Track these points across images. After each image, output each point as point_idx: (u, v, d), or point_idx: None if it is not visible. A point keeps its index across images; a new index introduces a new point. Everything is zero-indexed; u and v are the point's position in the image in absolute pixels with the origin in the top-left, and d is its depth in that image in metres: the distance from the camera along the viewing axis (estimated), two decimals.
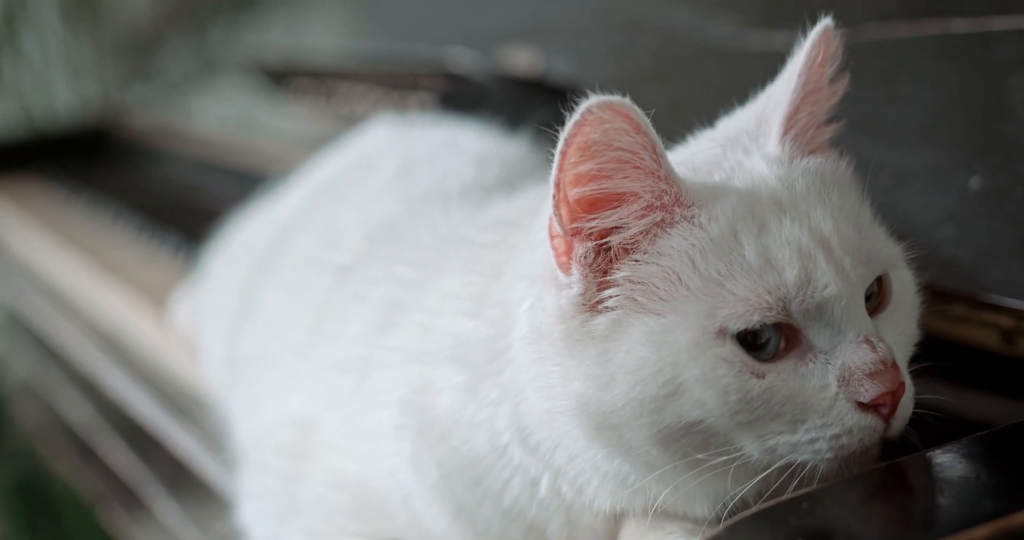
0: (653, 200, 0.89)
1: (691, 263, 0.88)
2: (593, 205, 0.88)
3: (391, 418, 1.04)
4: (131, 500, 1.89)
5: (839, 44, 0.97)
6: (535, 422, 0.94)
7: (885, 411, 0.86)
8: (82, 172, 2.98)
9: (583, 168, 0.86)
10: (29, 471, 3.34)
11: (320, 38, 2.44)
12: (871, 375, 0.86)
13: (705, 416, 0.85)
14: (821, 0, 1.30)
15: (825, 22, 0.97)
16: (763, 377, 0.86)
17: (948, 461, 0.85)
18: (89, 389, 2.00)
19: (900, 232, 1.12)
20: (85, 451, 2.18)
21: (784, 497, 0.82)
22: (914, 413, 0.91)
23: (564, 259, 0.90)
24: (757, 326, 0.86)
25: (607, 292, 0.89)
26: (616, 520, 0.98)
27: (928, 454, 0.86)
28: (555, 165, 0.86)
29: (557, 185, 0.87)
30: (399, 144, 1.44)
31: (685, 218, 0.90)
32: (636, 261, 0.90)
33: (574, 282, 0.90)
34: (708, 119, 1.37)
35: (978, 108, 1.17)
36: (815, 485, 0.84)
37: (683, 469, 0.88)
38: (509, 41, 1.72)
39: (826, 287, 0.87)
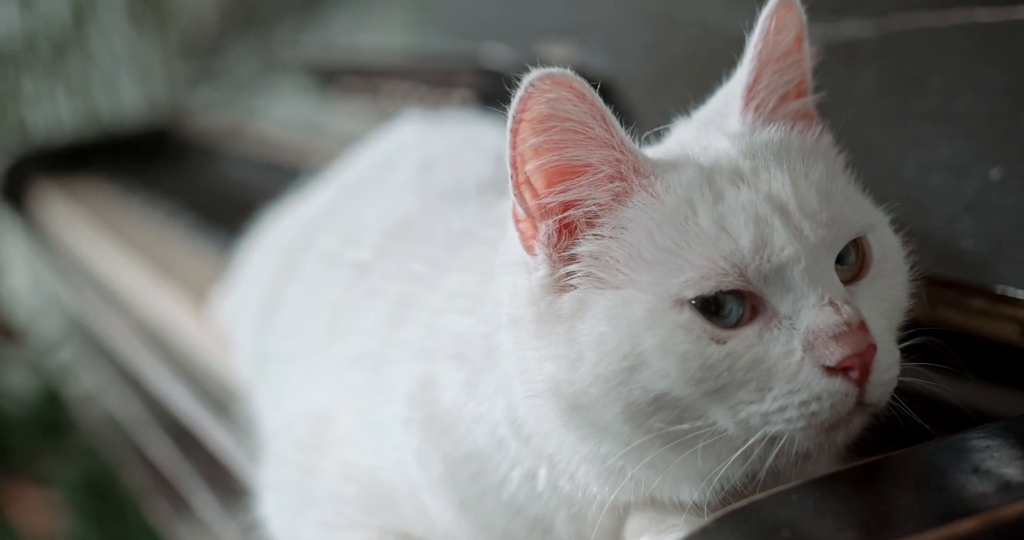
0: (609, 170, 0.89)
1: (648, 234, 0.88)
2: (549, 180, 0.89)
3: (399, 412, 1.05)
4: (175, 495, 1.91)
5: (799, 13, 0.96)
6: (524, 411, 0.95)
7: (855, 374, 0.85)
8: (141, 171, 3.02)
9: (534, 142, 0.87)
10: (96, 469, 3.40)
11: (380, 37, 2.45)
12: (835, 337, 0.85)
13: (670, 387, 0.85)
14: None
15: None
16: (724, 343, 0.85)
17: (938, 454, 0.84)
18: (137, 386, 2.03)
19: (921, 224, 1.11)
20: (134, 447, 2.21)
21: (774, 489, 0.81)
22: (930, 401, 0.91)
23: (529, 242, 0.91)
24: (713, 292, 0.85)
25: (570, 268, 0.90)
26: (621, 514, 0.98)
27: (918, 448, 0.85)
28: (508, 145, 0.87)
29: (513, 165, 0.88)
30: (421, 141, 1.44)
31: (642, 187, 0.90)
32: (596, 236, 0.90)
33: (540, 263, 0.91)
34: None
35: (1001, 98, 1.15)
36: (809, 473, 0.84)
37: (659, 447, 0.88)
38: (547, 37, 1.72)
39: (783, 250, 0.86)
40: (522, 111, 0.86)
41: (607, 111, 0.87)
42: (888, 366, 0.87)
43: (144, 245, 2.27)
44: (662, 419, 0.86)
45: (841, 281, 0.89)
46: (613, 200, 0.90)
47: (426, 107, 1.86)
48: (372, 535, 1.07)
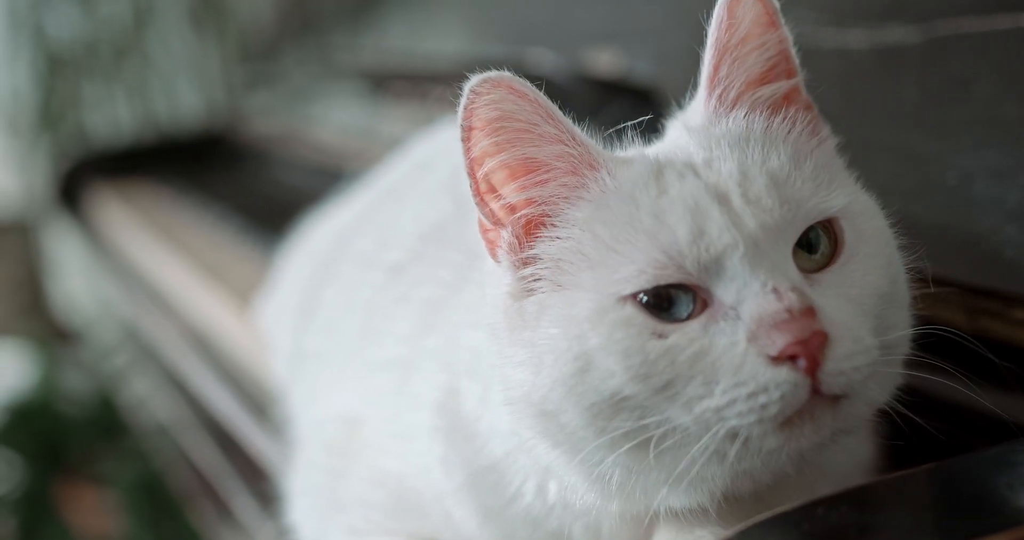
0: (562, 165, 0.89)
1: (594, 232, 0.88)
2: (505, 182, 0.90)
3: (426, 420, 1.05)
4: (218, 499, 1.92)
5: (768, 9, 0.93)
6: (512, 421, 0.94)
7: (802, 363, 0.81)
8: (195, 175, 3.05)
9: (485, 146, 0.88)
10: (151, 471, 3.43)
11: (436, 43, 2.46)
12: (777, 325, 0.82)
13: (620, 386, 0.84)
14: None
15: None
16: (666, 337, 0.84)
17: (973, 467, 0.83)
18: (183, 390, 2.04)
19: (964, 233, 1.09)
20: (180, 450, 2.23)
21: (798, 502, 0.80)
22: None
23: (493, 250, 0.92)
24: (651, 286, 0.84)
25: (526, 271, 0.90)
26: (639, 526, 0.97)
27: (952, 460, 0.84)
28: (462, 154, 0.88)
29: (471, 174, 0.89)
30: (455, 145, 1.44)
31: (594, 182, 0.89)
32: (552, 237, 0.90)
33: (505, 270, 0.91)
34: None
35: None
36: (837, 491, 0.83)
37: (629, 449, 0.86)
38: (594, 42, 1.71)
39: (719, 238, 0.85)
40: (468, 117, 0.87)
41: (553, 108, 0.88)
42: (850, 353, 0.83)
43: (194, 248, 2.29)
44: (623, 419, 0.85)
45: (812, 268, 0.87)
46: (566, 198, 0.90)
47: None
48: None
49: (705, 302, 0.85)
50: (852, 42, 1.29)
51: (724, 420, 0.82)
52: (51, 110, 3.85)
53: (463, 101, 0.87)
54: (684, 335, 0.84)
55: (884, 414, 0.99)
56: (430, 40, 2.41)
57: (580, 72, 1.66)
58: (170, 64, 3.95)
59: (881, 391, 0.88)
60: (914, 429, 0.94)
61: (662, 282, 0.84)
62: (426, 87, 2.16)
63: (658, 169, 0.90)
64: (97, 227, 2.90)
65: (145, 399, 2.84)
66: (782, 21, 0.94)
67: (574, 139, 0.89)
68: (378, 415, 1.13)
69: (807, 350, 0.81)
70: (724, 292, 0.85)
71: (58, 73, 3.86)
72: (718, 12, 0.92)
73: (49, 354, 3.88)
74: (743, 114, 0.94)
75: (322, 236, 1.57)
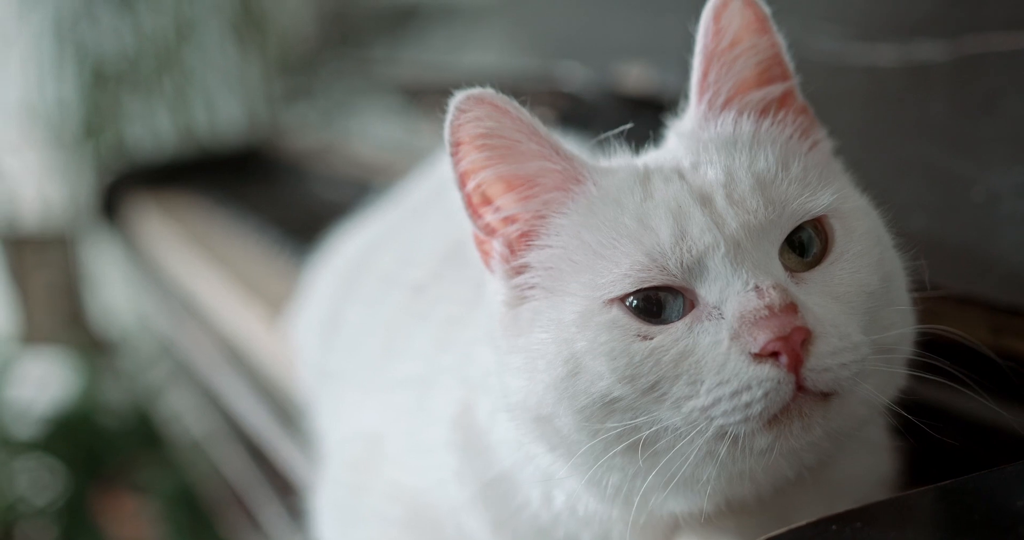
0: (546, 180, 0.91)
1: (581, 238, 0.89)
2: (493, 196, 0.92)
3: (442, 434, 1.06)
4: (249, 512, 1.93)
5: (743, 4, 0.94)
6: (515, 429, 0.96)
7: (784, 360, 0.82)
8: (233, 188, 3.06)
9: (471, 161, 0.91)
10: (189, 481, 3.45)
11: (472, 56, 2.46)
12: (758, 322, 0.82)
13: (609, 388, 0.85)
14: (920, 13, 1.29)
15: None
16: (651, 338, 0.85)
17: (989, 485, 0.82)
18: (217, 402, 2.06)
19: (990, 250, 1.09)
20: (213, 462, 2.24)
21: (812, 519, 0.80)
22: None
23: (487, 260, 0.94)
24: (636, 289, 0.86)
25: (518, 280, 0.92)
26: (655, 537, 0.97)
27: (970, 477, 0.83)
28: (450, 170, 0.91)
29: (460, 187, 0.92)
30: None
31: (581, 194, 0.91)
32: (541, 245, 0.92)
33: (499, 280, 0.93)
34: None
35: None
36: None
37: (623, 451, 0.87)
38: (626, 56, 1.71)
39: (700, 238, 0.86)
40: (455, 133, 0.90)
41: (536, 123, 0.90)
42: (836, 350, 0.84)
43: (230, 260, 2.29)
44: (615, 421, 0.86)
45: (801, 268, 0.88)
46: (554, 209, 0.92)
47: None
48: None
49: (692, 303, 0.86)
50: (881, 59, 1.28)
51: (711, 419, 0.83)
52: (94, 123, 3.88)
53: (448, 117, 0.90)
54: (669, 336, 0.85)
55: (904, 431, 0.99)
56: (466, 54, 2.42)
57: (611, 87, 1.66)
58: (211, 78, 3.98)
59: (879, 390, 0.88)
60: (934, 446, 0.94)
61: (645, 285, 0.86)
62: None
63: (645, 175, 0.91)
64: (137, 239, 2.93)
65: (181, 411, 2.85)
66: (773, 26, 0.95)
67: (557, 154, 0.91)
68: (397, 431, 1.14)
69: (788, 346, 0.82)
70: (708, 292, 0.86)
71: (101, 87, 3.89)
72: (704, 19, 0.93)
73: (90, 364, 3.91)
74: (732, 118, 0.95)
75: (348, 251, 1.58)
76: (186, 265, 2.39)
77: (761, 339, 0.82)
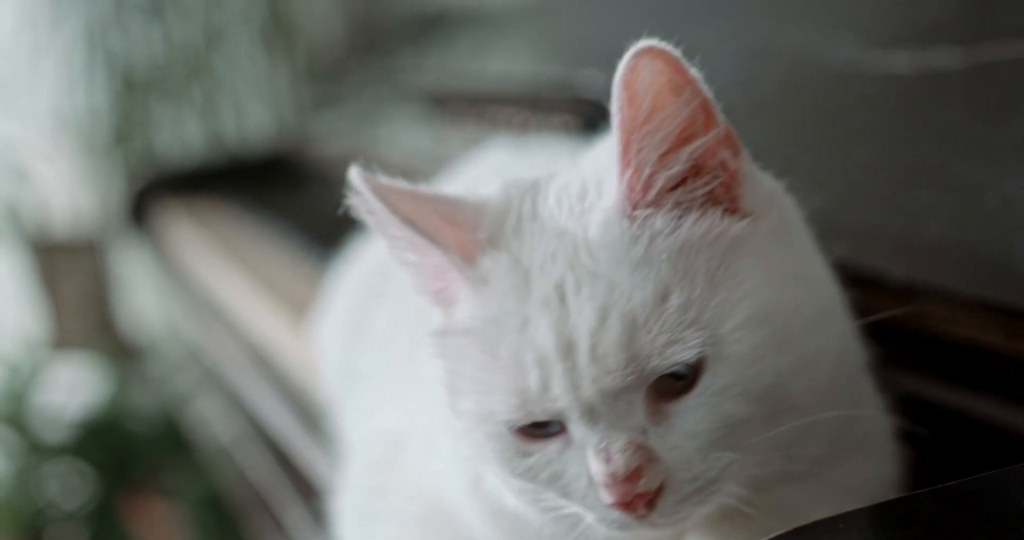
0: (442, 258, 0.93)
1: (469, 344, 0.91)
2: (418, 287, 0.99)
3: (457, 444, 1.06)
4: (274, 515, 1.95)
5: (656, 64, 0.86)
6: None
7: (637, 510, 0.85)
8: (262, 194, 3.08)
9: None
10: (217, 485, 3.47)
11: (498, 63, 2.47)
12: (604, 486, 0.85)
13: (506, 482, 0.92)
14: (936, 19, 1.30)
15: (639, 45, 0.86)
16: (529, 456, 0.88)
17: (988, 487, 0.83)
18: (243, 406, 2.07)
19: (1003, 257, 1.09)
20: (239, 466, 2.26)
21: (823, 517, 0.81)
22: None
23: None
24: (504, 422, 0.88)
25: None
26: None
27: (980, 477, 0.84)
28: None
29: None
30: (501, 167, 1.45)
31: (464, 280, 0.93)
32: (442, 335, 0.96)
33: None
34: (830, 145, 1.36)
35: None
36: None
37: (537, 508, 0.92)
38: None
39: (557, 400, 0.86)
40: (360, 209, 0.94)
41: (410, 216, 0.91)
42: (686, 496, 0.87)
43: (257, 266, 2.31)
44: (520, 491, 0.93)
45: (673, 394, 0.87)
46: (442, 297, 0.97)
47: (528, 133, 1.88)
48: None
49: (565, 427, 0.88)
50: (897, 67, 1.29)
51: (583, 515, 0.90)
52: (124, 130, 3.91)
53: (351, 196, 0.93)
54: (543, 457, 0.88)
55: (908, 435, 1.01)
56: (491, 61, 2.43)
57: None
58: (239, 85, 4.00)
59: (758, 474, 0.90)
60: (939, 449, 0.95)
61: (517, 424, 0.88)
62: (481, 107, 2.18)
63: (527, 284, 0.90)
64: (165, 245, 2.95)
65: (208, 416, 2.87)
66: (693, 76, 0.88)
67: (429, 247, 0.93)
68: (417, 432, 1.15)
69: (632, 507, 0.85)
70: (574, 430, 0.87)
71: (131, 94, 3.92)
72: (616, 88, 0.86)
73: (119, 370, 3.94)
74: (644, 209, 0.89)
75: (372, 254, 1.59)
76: (214, 270, 2.41)
77: (607, 500, 0.85)
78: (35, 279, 4.10)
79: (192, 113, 3.97)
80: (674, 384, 0.86)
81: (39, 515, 3.82)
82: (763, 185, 0.95)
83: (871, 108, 1.33)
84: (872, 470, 1.03)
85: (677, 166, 0.88)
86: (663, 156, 0.87)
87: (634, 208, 0.88)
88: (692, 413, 0.87)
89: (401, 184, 0.96)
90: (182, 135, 3.94)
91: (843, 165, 1.34)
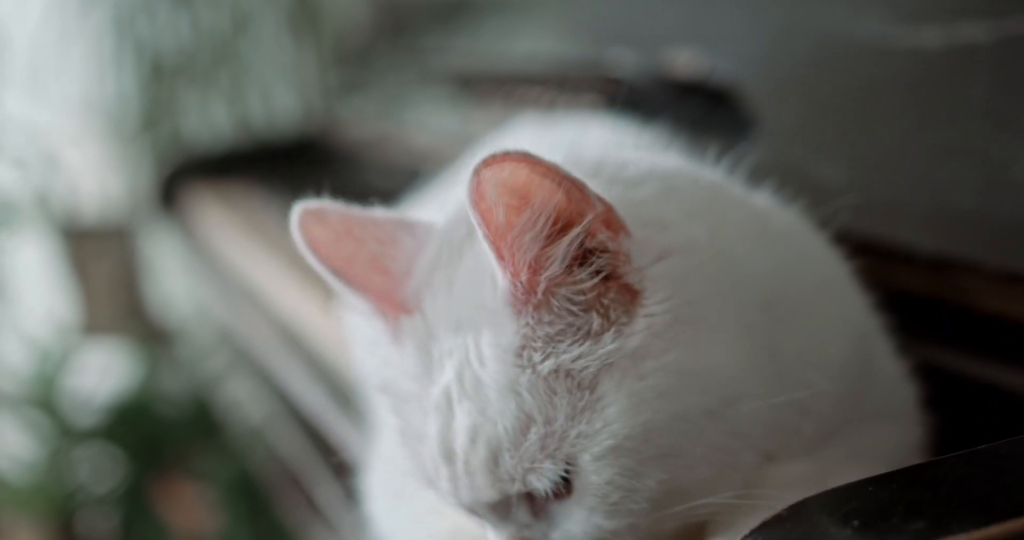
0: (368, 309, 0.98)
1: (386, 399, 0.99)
2: None
3: None
4: (307, 493, 1.96)
5: (519, 169, 0.82)
6: None
7: None
8: (290, 177, 3.08)
9: None
10: (247, 468, 3.49)
11: (524, 43, 2.48)
12: None
13: None
14: None
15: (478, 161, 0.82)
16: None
17: (1013, 453, 0.84)
18: (275, 386, 2.09)
19: None
20: (272, 446, 2.27)
21: (851, 481, 0.82)
22: None
23: None
24: None
25: None
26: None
27: (995, 445, 0.85)
28: None
29: None
30: (529, 145, 1.46)
31: (391, 337, 0.96)
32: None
33: None
34: (858, 120, 1.37)
35: None
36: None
37: None
38: (675, 42, 1.73)
39: (448, 496, 0.92)
40: None
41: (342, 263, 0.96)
42: None
43: (287, 247, 2.31)
44: None
45: (555, 495, 0.89)
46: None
47: (555, 113, 1.88)
48: (459, 523, 1.10)
49: None
50: (925, 41, 1.29)
51: None
52: (153, 116, 3.93)
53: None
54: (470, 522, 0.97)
55: (933, 404, 1.02)
56: (518, 42, 2.44)
57: (660, 72, 1.68)
58: (266, 70, 4.02)
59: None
60: (973, 419, 0.96)
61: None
62: (509, 88, 2.19)
63: (428, 365, 0.92)
64: (195, 228, 2.97)
65: (240, 396, 2.89)
66: (546, 167, 0.84)
67: (356, 297, 0.97)
68: None
69: None
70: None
71: (160, 80, 3.94)
72: (470, 208, 0.83)
73: (149, 354, 3.96)
74: (529, 322, 0.88)
75: None
76: (244, 252, 2.42)
77: None
78: (65, 265, 4.13)
79: (220, 98, 3.98)
80: (557, 488, 0.89)
81: (70, 498, 3.84)
82: (673, 260, 0.91)
83: (899, 83, 1.33)
84: (895, 436, 1.04)
85: (556, 261, 0.86)
86: (538, 256, 0.85)
87: (519, 313, 0.87)
88: (570, 518, 0.90)
89: (346, 215, 0.98)
90: (210, 120, 3.95)
91: (871, 140, 1.34)
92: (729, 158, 1.17)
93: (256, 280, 2.28)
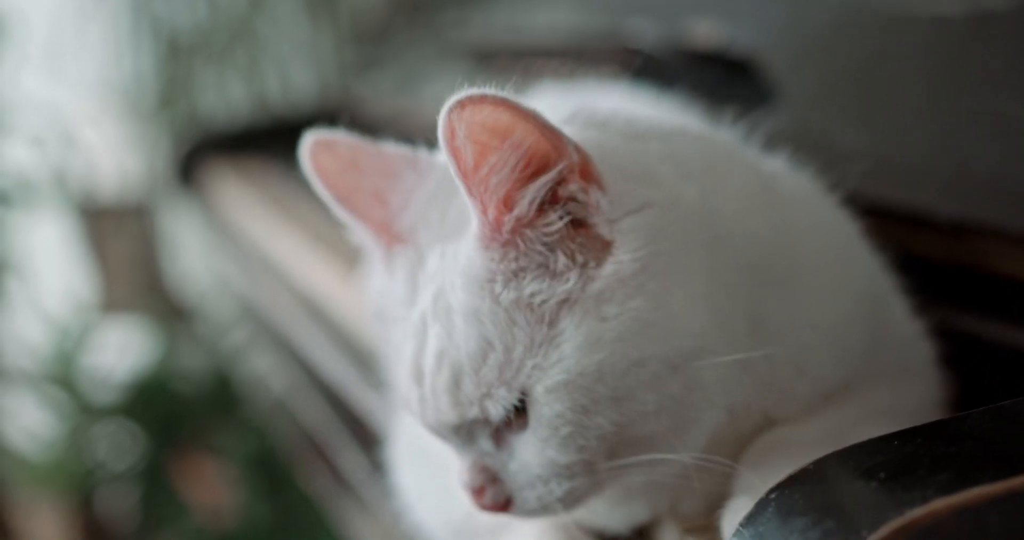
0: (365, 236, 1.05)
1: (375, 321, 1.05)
2: None
3: None
4: (331, 463, 1.97)
5: (493, 111, 0.85)
6: None
7: (497, 512, 0.95)
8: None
9: None
10: (267, 443, 3.51)
11: (543, 15, 2.47)
12: (466, 490, 0.95)
13: None
14: None
15: (453, 98, 0.85)
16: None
17: None
18: (297, 356, 2.10)
19: None
20: (295, 417, 2.28)
21: (877, 435, 0.83)
22: None
23: None
24: None
25: None
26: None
27: (1019, 400, 0.86)
28: None
29: None
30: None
31: (385, 265, 1.03)
32: None
33: None
34: (880, 88, 1.37)
35: None
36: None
37: None
38: (695, 12, 1.73)
39: (418, 417, 0.95)
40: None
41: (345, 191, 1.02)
42: (535, 509, 0.94)
43: (307, 220, 2.33)
44: None
45: (515, 425, 0.93)
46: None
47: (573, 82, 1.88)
48: None
49: None
50: (946, 8, 1.29)
51: None
52: (170, 94, 3.94)
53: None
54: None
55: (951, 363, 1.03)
56: (537, 14, 2.44)
57: (680, 43, 1.68)
58: (283, 47, 4.02)
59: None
60: (995, 382, 0.97)
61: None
62: (528, 62, 2.19)
63: (414, 289, 0.97)
64: (215, 204, 2.97)
65: (261, 370, 2.90)
66: (521, 117, 0.86)
67: (356, 223, 1.03)
68: None
69: (492, 510, 0.94)
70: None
71: (176, 58, 3.94)
72: (442, 146, 0.87)
73: (168, 331, 3.98)
74: (496, 250, 0.91)
75: None
76: (264, 227, 2.43)
77: (472, 502, 0.95)
78: (83, 243, 4.14)
79: (237, 76, 3.99)
80: (516, 418, 0.92)
81: (90, 475, 3.86)
82: (649, 213, 0.93)
83: (919, 50, 1.34)
84: (912, 394, 1.06)
85: (525, 203, 0.89)
86: (507, 197, 0.88)
87: (487, 247, 0.91)
88: (526, 448, 0.93)
89: (355, 146, 1.03)
90: (227, 98, 3.96)
91: (892, 107, 1.35)
92: (744, 124, 1.18)
93: (277, 253, 2.29)
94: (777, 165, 1.14)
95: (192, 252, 3.98)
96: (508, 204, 0.89)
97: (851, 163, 1.16)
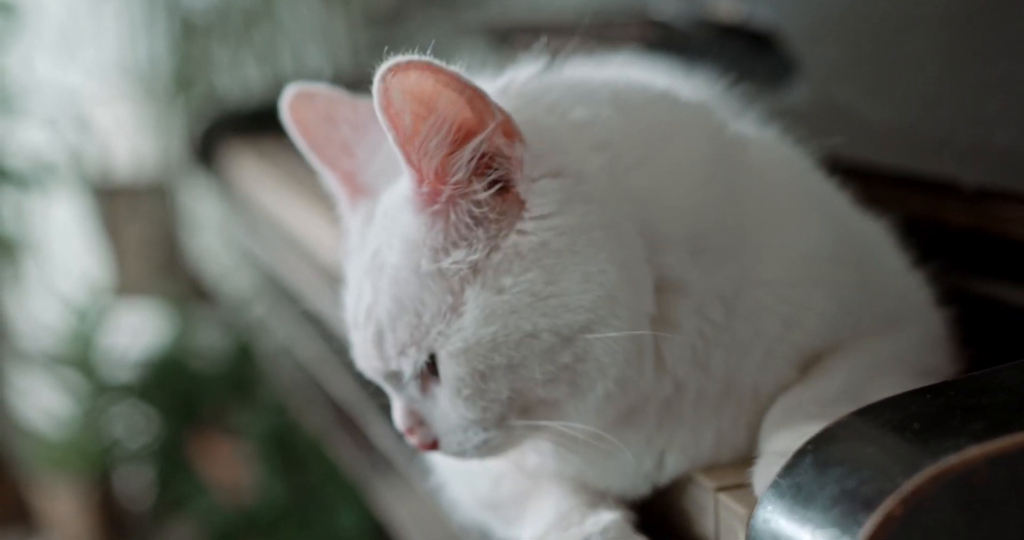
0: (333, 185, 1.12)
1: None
2: None
3: None
4: (357, 431, 1.99)
5: (422, 76, 0.88)
6: None
7: (427, 451, 1.02)
8: None
9: None
10: (284, 424, 3.52)
11: None
12: (402, 431, 1.01)
13: None
14: None
15: (384, 65, 0.88)
16: None
17: None
18: (320, 326, 2.11)
19: None
20: (319, 387, 2.29)
21: (892, 385, 0.85)
22: None
23: None
24: None
25: None
26: None
27: None
28: None
29: None
30: None
31: (349, 216, 1.11)
32: None
33: None
34: (901, 58, 1.38)
35: None
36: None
37: None
38: None
39: (358, 363, 1.02)
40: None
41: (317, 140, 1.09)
42: (460, 451, 1.00)
43: (325, 195, 2.33)
44: None
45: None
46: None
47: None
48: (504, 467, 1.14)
49: None
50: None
51: None
52: (185, 75, 3.94)
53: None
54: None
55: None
56: None
57: (701, 16, 1.69)
58: (298, 29, 4.02)
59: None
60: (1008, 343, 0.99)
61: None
62: (547, 37, 2.19)
63: (363, 242, 1.03)
64: (233, 182, 2.98)
65: (281, 346, 2.91)
66: (449, 75, 0.89)
67: (325, 172, 1.10)
68: None
69: (423, 449, 1.01)
70: None
71: (191, 40, 3.95)
72: (377, 113, 0.89)
73: (184, 311, 3.99)
74: (431, 223, 0.96)
75: None
76: (283, 202, 2.44)
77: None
78: (99, 224, 4.15)
79: (251, 58, 3.99)
80: (432, 374, 0.98)
81: (107, 455, 3.89)
82: (561, 181, 0.96)
83: (940, 19, 1.35)
84: (915, 337, 1.09)
85: (461, 168, 0.92)
86: (443, 163, 0.92)
87: (420, 212, 0.95)
88: (443, 398, 0.98)
89: (332, 99, 1.07)
90: (242, 80, 3.96)
91: (914, 76, 1.36)
92: (744, 94, 1.19)
93: (297, 227, 2.30)
94: (766, 135, 1.15)
95: (210, 231, 3.99)
96: (446, 169, 0.92)
97: (873, 133, 1.18)
